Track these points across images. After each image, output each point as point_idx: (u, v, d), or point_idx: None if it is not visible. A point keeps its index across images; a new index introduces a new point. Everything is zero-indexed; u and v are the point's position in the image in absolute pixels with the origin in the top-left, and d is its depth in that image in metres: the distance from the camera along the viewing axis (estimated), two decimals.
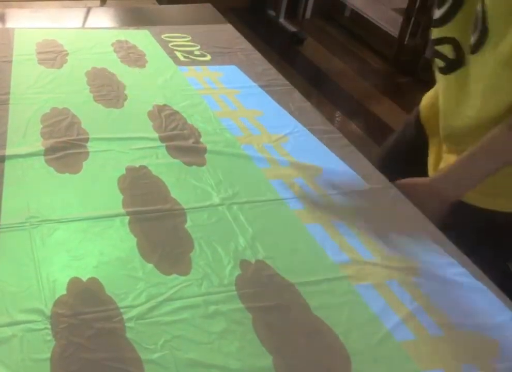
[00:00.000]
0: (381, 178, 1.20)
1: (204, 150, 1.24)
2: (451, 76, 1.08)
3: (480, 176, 1.06)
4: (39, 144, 1.18)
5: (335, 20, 4.66)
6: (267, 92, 1.51)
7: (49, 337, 0.78)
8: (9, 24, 1.81)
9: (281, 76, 1.62)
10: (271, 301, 0.88)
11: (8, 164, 1.12)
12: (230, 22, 1.99)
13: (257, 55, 1.73)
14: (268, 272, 0.94)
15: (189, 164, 1.19)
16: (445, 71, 1.09)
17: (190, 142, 1.26)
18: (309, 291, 0.91)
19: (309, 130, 1.36)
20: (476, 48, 0.98)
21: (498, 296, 0.94)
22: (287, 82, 1.59)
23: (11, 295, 0.84)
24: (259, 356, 0.80)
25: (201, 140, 1.27)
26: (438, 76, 1.15)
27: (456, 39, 1.03)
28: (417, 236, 1.05)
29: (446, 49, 1.06)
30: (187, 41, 1.78)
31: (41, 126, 1.25)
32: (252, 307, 0.87)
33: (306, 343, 0.83)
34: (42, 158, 1.15)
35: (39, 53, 1.58)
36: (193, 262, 0.94)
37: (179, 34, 1.82)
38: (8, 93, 1.37)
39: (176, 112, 1.37)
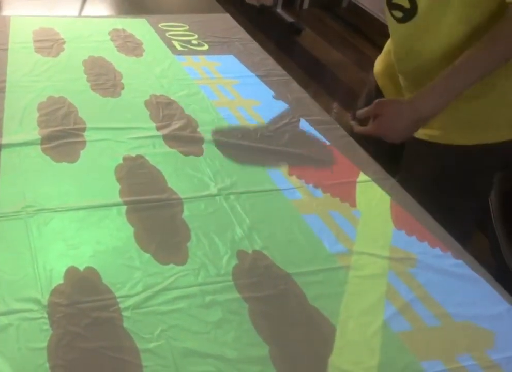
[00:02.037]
0: (379, 169, 1.20)
1: (201, 140, 1.24)
2: (410, 24, 1.17)
3: (455, 92, 1.12)
4: (35, 133, 1.18)
5: (333, 11, 4.64)
6: (265, 82, 1.51)
7: (46, 326, 0.78)
8: (5, 12, 1.79)
9: (278, 66, 1.61)
10: (267, 291, 0.88)
11: (4, 153, 1.11)
12: (228, 12, 1.98)
13: (255, 45, 1.72)
14: (265, 262, 0.94)
15: (186, 154, 1.18)
16: (403, 20, 1.19)
17: (187, 132, 1.26)
18: (305, 281, 0.91)
19: (306, 120, 1.35)
20: None
21: (494, 287, 0.94)
22: (284, 72, 1.58)
23: (7, 284, 0.83)
24: (255, 346, 0.80)
25: (198, 130, 1.27)
26: (395, 27, 1.24)
27: None
28: (414, 227, 1.05)
29: (402, 0, 1.16)
30: (185, 30, 1.77)
31: (38, 114, 1.25)
32: (249, 297, 0.87)
33: (303, 333, 0.83)
34: (38, 147, 1.14)
35: (35, 41, 1.57)
36: (190, 252, 0.94)
37: (177, 24, 1.81)
38: (4, 81, 1.36)
39: (173, 102, 1.37)
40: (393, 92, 1.37)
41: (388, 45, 1.40)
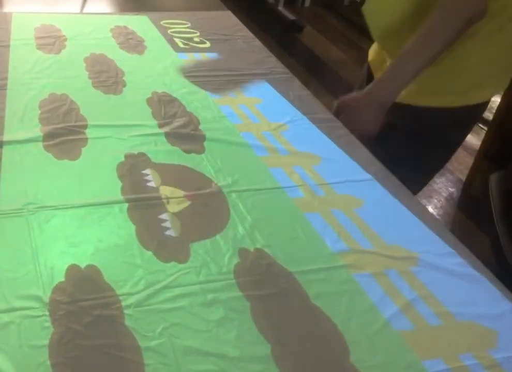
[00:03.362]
0: (381, 167, 1.20)
1: (203, 138, 1.23)
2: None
3: (408, 75, 1.18)
4: (37, 130, 1.18)
5: (334, 8, 4.64)
6: (267, 80, 1.51)
7: (47, 324, 0.77)
8: (7, 8, 1.79)
9: (281, 64, 1.61)
10: (269, 289, 0.88)
11: (5, 150, 1.11)
12: (229, 9, 1.97)
13: (257, 43, 1.72)
14: (267, 260, 0.94)
15: (188, 152, 1.18)
16: None
17: (189, 129, 1.25)
18: (307, 280, 0.91)
19: (308, 118, 1.35)
20: None
21: (496, 286, 0.94)
22: (287, 70, 1.58)
23: (9, 281, 0.83)
24: (257, 345, 0.80)
25: (200, 127, 1.27)
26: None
27: None
28: (416, 226, 1.05)
29: None
30: (186, 28, 1.77)
31: (39, 111, 1.25)
32: (251, 295, 0.87)
33: (304, 331, 0.82)
34: (40, 144, 1.14)
35: (37, 38, 1.57)
36: (191, 250, 0.93)
37: (179, 21, 1.80)
38: (6, 78, 1.35)
39: (175, 99, 1.36)
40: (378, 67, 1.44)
41: None
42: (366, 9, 1.37)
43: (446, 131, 1.35)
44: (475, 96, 1.31)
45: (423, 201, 2.48)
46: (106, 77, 1.42)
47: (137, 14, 1.82)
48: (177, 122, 1.27)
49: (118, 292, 0.84)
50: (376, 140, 1.31)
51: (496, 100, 2.53)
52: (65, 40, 1.59)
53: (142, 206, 1.01)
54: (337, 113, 1.27)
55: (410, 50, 1.16)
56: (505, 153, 2.42)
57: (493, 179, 1.79)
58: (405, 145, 1.36)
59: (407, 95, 1.27)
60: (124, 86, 1.40)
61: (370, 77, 1.48)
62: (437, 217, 2.41)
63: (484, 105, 1.36)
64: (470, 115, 1.36)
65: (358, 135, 1.26)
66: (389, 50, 1.36)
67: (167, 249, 0.93)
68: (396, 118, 1.28)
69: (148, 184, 1.07)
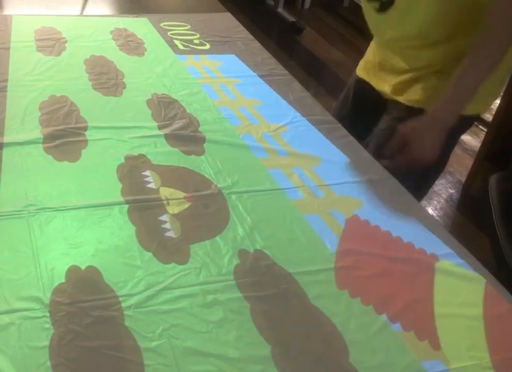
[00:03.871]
0: (380, 168, 1.20)
1: (203, 139, 1.24)
2: (386, 15, 1.26)
3: (468, 94, 1.19)
4: (37, 132, 1.18)
5: (334, 10, 4.64)
6: (267, 81, 1.51)
7: (47, 325, 0.78)
8: (7, 11, 1.79)
9: (280, 66, 1.61)
10: (269, 290, 0.89)
11: (5, 151, 1.11)
12: (229, 11, 1.98)
13: (256, 44, 1.73)
14: (267, 262, 0.94)
15: (188, 153, 1.19)
16: (380, 10, 1.27)
17: (189, 131, 1.26)
18: (307, 281, 0.91)
19: (308, 120, 1.35)
20: None
21: (496, 287, 0.94)
22: (286, 72, 1.58)
23: (9, 282, 0.84)
24: (257, 345, 0.80)
25: (200, 129, 1.27)
26: (373, 17, 1.33)
27: None
28: (415, 227, 1.05)
29: None
30: (186, 30, 1.77)
31: (39, 113, 1.25)
32: (250, 296, 0.87)
33: (304, 332, 0.83)
34: (40, 146, 1.14)
35: (37, 40, 1.58)
36: (191, 251, 0.94)
37: (178, 23, 1.81)
38: (6, 80, 1.36)
39: (175, 101, 1.37)
40: (375, 79, 1.46)
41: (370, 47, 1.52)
42: (377, 37, 1.39)
43: None
44: (478, 107, 1.33)
45: (423, 203, 2.48)
46: (106, 79, 1.43)
47: (137, 16, 1.82)
48: (177, 124, 1.27)
49: (118, 293, 0.84)
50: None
51: (496, 101, 2.53)
52: (66, 42, 1.59)
53: (142, 208, 1.02)
54: (401, 145, 1.22)
55: (468, 69, 1.16)
56: (505, 154, 2.42)
57: (493, 180, 1.79)
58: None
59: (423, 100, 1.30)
60: (124, 87, 1.40)
61: (356, 88, 1.53)
62: (437, 218, 2.42)
63: (477, 118, 1.41)
64: (463, 126, 1.37)
65: (410, 166, 1.23)
66: (402, 52, 1.36)
67: (167, 250, 0.93)
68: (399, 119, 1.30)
69: (148, 185, 1.07)
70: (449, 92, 1.19)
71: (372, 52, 1.49)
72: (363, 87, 1.50)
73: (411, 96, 1.33)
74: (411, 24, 1.25)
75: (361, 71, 1.54)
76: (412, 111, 1.29)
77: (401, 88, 1.36)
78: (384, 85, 1.41)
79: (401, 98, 1.35)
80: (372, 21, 1.37)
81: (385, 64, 1.41)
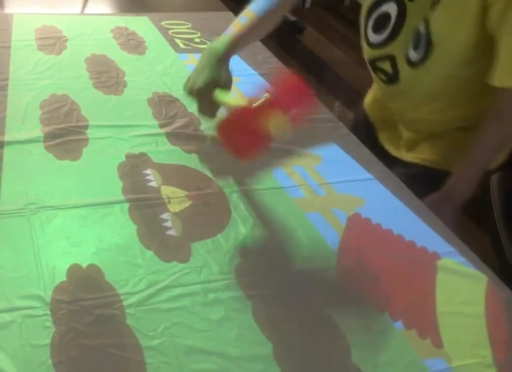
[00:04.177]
0: (382, 167, 1.20)
1: (204, 138, 1.23)
2: (393, 87, 1.24)
3: (480, 171, 1.21)
4: (38, 131, 1.18)
5: (335, 9, 4.64)
6: (268, 80, 1.50)
7: (48, 323, 0.78)
8: (8, 9, 1.79)
9: (281, 65, 1.61)
10: (270, 289, 0.88)
11: (6, 150, 1.11)
12: (230, 9, 1.97)
13: (257, 43, 1.72)
14: (268, 260, 0.93)
15: (189, 152, 1.18)
16: (387, 83, 1.25)
17: (190, 130, 1.25)
18: (308, 279, 0.91)
19: (309, 118, 1.35)
20: (421, 61, 1.12)
21: (497, 285, 0.94)
22: (288, 71, 1.58)
23: (10, 281, 0.83)
24: (258, 344, 0.80)
25: (201, 128, 1.27)
26: (380, 86, 1.30)
27: (395, 56, 1.18)
28: (416, 225, 1.05)
29: (386, 65, 1.21)
30: (187, 28, 1.77)
31: (40, 112, 1.25)
32: (252, 295, 0.87)
33: (306, 331, 0.83)
34: (41, 144, 1.14)
35: (38, 39, 1.57)
36: (192, 250, 0.94)
37: (179, 22, 1.81)
38: (7, 79, 1.35)
39: (176, 100, 1.37)
40: (382, 123, 1.44)
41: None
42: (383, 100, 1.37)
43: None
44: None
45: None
46: (107, 77, 1.43)
47: (137, 15, 1.82)
48: (178, 123, 1.27)
49: (119, 291, 0.84)
50: None
51: None
52: (66, 40, 1.59)
53: (143, 206, 1.02)
54: None
55: (479, 147, 1.16)
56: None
57: (494, 179, 1.78)
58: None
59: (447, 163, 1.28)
60: (125, 86, 1.40)
61: (366, 118, 1.49)
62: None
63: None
64: None
65: None
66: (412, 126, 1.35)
67: (168, 248, 0.93)
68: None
69: (149, 184, 1.07)
70: (461, 172, 1.19)
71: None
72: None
73: (426, 155, 1.31)
74: (418, 95, 1.22)
75: (369, 108, 1.50)
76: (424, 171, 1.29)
77: (413, 145, 1.34)
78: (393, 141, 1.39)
79: (413, 157, 1.33)
80: (381, 91, 1.35)
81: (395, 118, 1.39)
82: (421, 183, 1.24)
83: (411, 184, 1.17)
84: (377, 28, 1.21)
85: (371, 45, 1.24)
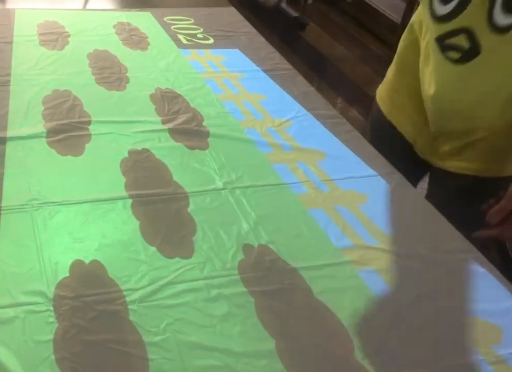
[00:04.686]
0: (385, 163, 1.20)
1: (207, 134, 1.23)
2: (469, 65, 1.07)
3: None
4: (40, 126, 1.18)
5: (337, 5, 4.62)
6: (271, 76, 1.50)
7: (51, 319, 0.78)
8: (10, 5, 1.79)
9: (284, 60, 1.61)
10: (273, 285, 0.88)
11: (9, 146, 1.11)
12: (233, 5, 1.97)
13: (260, 39, 1.72)
14: (271, 256, 0.93)
15: (192, 148, 1.18)
16: (462, 60, 1.08)
17: (193, 125, 1.25)
18: (311, 276, 0.90)
19: (312, 115, 1.35)
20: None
21: (502, 282, 0.94)
22: (290, 66, 1.58)
23: (13, 276, 0.83)
24: (261, 340, 0.80)
25: (204, 123, 1.27)
26: (444, 69, 1.12)
27: (471, 27, 1.04)
28: (420, 222, 1.05)
29: (460, 40, 1.06)
30: (190, 24, 1.77)
31: (43, 108, 1.24)
32: (255, 291, 0.87)
33: (309, 327, 0.82)
34: (43, 140, 1.14)
35: (40, 34, 1.57)
36: (195, 246, 0.93)
37: (182, 17, 1.80)
38: (9, 75, 1.35)
39: (179, 96, 1.36)
40: (401, 119, 1.31)
41: (393, 77, 1.33)
42: (438, 93, 1.17)
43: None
44: None
45: None
46: (110, 73, 1.42)
47: (140, 10, 1.82)
48: (181, 118, 1.27)
49: (122, 287, 0.84)
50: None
51: None
52: (69, 36, 1.59)
53: (146, 202, 1.01)
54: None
55: None
56: None
57: None
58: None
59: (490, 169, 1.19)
60: (128, 82, 1.40)
61: (382, 114, 1.35)
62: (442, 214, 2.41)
63: None
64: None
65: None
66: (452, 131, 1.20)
67: (171, 245, 0.93)
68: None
69: (152, 180, 1.07)
70: None
71: (412, 105, 1.27)
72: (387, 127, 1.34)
73: (476, 164, 1.19)
74: (501, 70, 1.06)
75: (384, 104, 1.36)
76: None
77: (458, 152, 1.21)
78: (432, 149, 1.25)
79: (459, 166, 1.21)
80: (442, 76, 1.15)
81: (436, 125, 1.22)
82: (472, 193, 1.17)
83: (461, 196, 1.09)
84: None
85: (438, 19, 1.09)
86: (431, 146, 1.25)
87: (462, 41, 1.06)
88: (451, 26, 1.07)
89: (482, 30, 1.02)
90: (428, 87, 1.16)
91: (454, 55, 1.08)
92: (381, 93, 1.39)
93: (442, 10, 1.07)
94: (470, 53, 1.06)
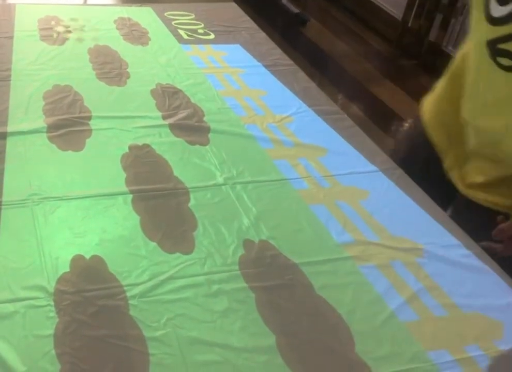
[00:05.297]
0: (386, 159, 1.19)
1: (208, 129, 1.23)
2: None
3: None
4: (41, 121, 1.17)
5: (338, 1, 4.61)
6: (272, 72, 1.50)
7: (52, 314, 0.77)
8: (10, 0, 1.78)
9: (285, 56, 1.60)
10: (274, 281, 0.88)
11: (9, 141, 1.11)
12: (234, 1, 1.97)
13: (261, 34, 1.71)
14: (272, 252, 0.93)
15: (192, 143, 1.18)
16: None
17: (194, 121, 1.25)
18: (312, 271, 0.90)
19: (313, 110, 1.34)
20: None
21: (502, 277, 0.93)
22: (291, 62, 1.58)
23: (14, 271, 0.83)
24: (262, 335, 0.79)
25: (204, 119, 1.26)
26: (496, 77, 1.00)
27: None
28: (421, 217, 1.05)
29: None
30: (191, 19, 1.76)
31: (43, 103, 1.24)
32: (255, 286, 0.87)
33: (309, 323, 0.82)
34: (44, 135, 1.14)
35: (40, 29, 1.57)
36: (196, 241, 0.93)
37: (183, 12, 1.80)
38: (9, 70, 1.35)
39: (179, 91, 1.36)
40: (445, 143, 1.19)
41: (443, 89, 1.19)
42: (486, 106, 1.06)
43: None
44: None
45: None
46: (110, 68, 1.42)
47: (141, 6, 1.81)
48: (181, 114, 1.27)
49: (122, 282, 0.84)
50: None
51: None
52: (69, 31, 1.58)
53: (146, 198, 1.01)
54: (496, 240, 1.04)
55: None
56: None
57: None
58: None
59: None
60: (128, 77, 1.40)
61: (423, 133, 1.21)
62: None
63: None
64: None
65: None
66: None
67: (172, 240, 0.93)
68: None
69: (152, 175, 1.07)
70: None
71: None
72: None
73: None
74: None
75: (431, 123, 1.21)
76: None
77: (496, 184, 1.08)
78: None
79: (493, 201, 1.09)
80: (491, 87, 1.03)
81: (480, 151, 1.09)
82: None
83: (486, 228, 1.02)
84: None
85: (494, 21, 0.99)
86: (460, 167, 1.15)
87: None
88: (507, 29, 0.97)
89: None
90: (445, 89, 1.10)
91: (507, 61, 0.97)
92: (428, 104, 1.25)
93: (501, 11, 0.97)
94: None
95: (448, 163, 1.17)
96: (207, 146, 1.17)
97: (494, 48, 0.99)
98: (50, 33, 1.55)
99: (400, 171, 1.16)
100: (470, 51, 1.07)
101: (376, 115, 3.08)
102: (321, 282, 0.89)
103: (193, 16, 1.78)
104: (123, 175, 1.06)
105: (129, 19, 1.71)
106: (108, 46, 1.53)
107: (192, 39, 1.64)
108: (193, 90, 1.37)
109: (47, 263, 0.85)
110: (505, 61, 0.97)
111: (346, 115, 1.35)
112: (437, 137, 1.19)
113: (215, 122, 1.26)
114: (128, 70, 1.43)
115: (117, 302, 0.81)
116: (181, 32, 1.67)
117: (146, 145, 1.15)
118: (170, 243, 0.92)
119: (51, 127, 1.16)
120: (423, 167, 1.22)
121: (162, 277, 0.85)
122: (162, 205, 1.00)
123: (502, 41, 0.98)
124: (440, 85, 1.19)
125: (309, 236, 0.98)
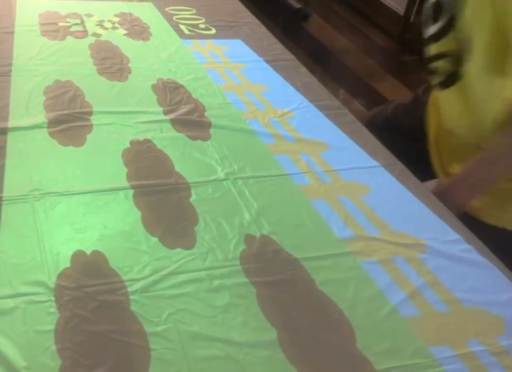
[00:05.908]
0: (388, 154, 1.19)
1: (209, 124, 1.23)
2: (453, 89, 1.06)
3: (486, 183, 1.10)
4: (42, 117, 1.17)
5: None
6: (273, 67, 1.50)
7: (52, 309, 0.77)
8: None
9: (287, 51, 1.60)
10: (275, 276, 0.88)
11: (10, 136, 1.11)
12: None
13: (262, 29, 1.71)
14: (273, 247, 0.93)
15: (194, 138, 1.18)
16: (445, 84, 1.07)
17: (195, 116, 1.25)
18: (314, 266, 0.90)
19: (315, 106, 1.34)
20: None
21: (504, 273, 0.93)
22: (293, 57, 1.57)
23: (14, 267, 0.83)
24: (263, 330, 0.79)
25: (206, 114, 1.26)
26: (438, 93, 1.12)
27: (455, 50, 1.01)
28: (423, 213, 1.05)
29: (444, 63, 1.04)
30: (192, 14, 1.76)
31: (44, 98, 1.24)
32: (257, 281, 0.86)
33: (311, 318, 0.82)
34: (45, 130, 1.14)
35: (41, 24, 1.56)
36: (197, 236, 0.93)
37: (184, 7, 1.79)
38: (10, 65, 1.35)
39: (181, 86, 1.36)
40: (438, 163, 1.28)
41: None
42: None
43: None
44: None
45: None
46: (111, 63, 1.42)
47: (142, 1, 1.81)
48: (183, 109, 1.26)
49: (123, 277, 0.84)
50: None
51: None
52: (70, 26, 1.58)
53: (147, 193, 1.01)
54: None
55: (492, 157, 1.06)
56: None
57: None
58: None
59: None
60: (130, 72, 1.39)
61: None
62: None
63: None
64: None
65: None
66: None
67: (173, 235, 0.93)
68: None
69: (154, 170, 1.07)
70: (467, 175, 1.09)
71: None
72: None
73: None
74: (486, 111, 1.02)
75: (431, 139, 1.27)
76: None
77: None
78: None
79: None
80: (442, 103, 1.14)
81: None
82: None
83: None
84: (435, 16, 1.03)
85: (429, 38, 1.07)
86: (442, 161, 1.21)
87: (445, 64, 1.04)
88: (439, 47, 1.04)
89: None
90: None
91: (439, 77, 1.06)
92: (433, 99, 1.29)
93: (432, 29, 1.04)
94: (452, 77, 1.03)
95: (433, 151, 1.25)
96: (208, 142, 1.17)
97: (430, 67, 1.08)
98: (51, 28, 1.55)
99: (401, 166, 1.16)
100: None
101: None
102: (323, 278, 0.88)
103: (194, 11, 1.78)
104: (124, 170, 1.06)
105: (130, 14, 1.70)
106: (109, 41, 1.53)
107: (193, 34, 1.63)
108: (194, 85, 1.37)
109: (48, 258, 0.85)
110: (438, 77, 1.06)
111: (347, 111, 1.34)
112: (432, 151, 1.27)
113: (216, 117, 1.25)
114: (129, 65, 1.42)
115: (118, 297, 0.81)
116: (182, 27, 1.66)
117: (147, 141, 1.15)
118: (172, 238, 0.92)
119: (52, 123, 1.16)
120: (409, 135, 1.28)
121: (163, 272, 0.85)
122: (163, 201, 1.00)
123: (434, 59, 1.06)
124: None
125: (310, 231, 0.98)
